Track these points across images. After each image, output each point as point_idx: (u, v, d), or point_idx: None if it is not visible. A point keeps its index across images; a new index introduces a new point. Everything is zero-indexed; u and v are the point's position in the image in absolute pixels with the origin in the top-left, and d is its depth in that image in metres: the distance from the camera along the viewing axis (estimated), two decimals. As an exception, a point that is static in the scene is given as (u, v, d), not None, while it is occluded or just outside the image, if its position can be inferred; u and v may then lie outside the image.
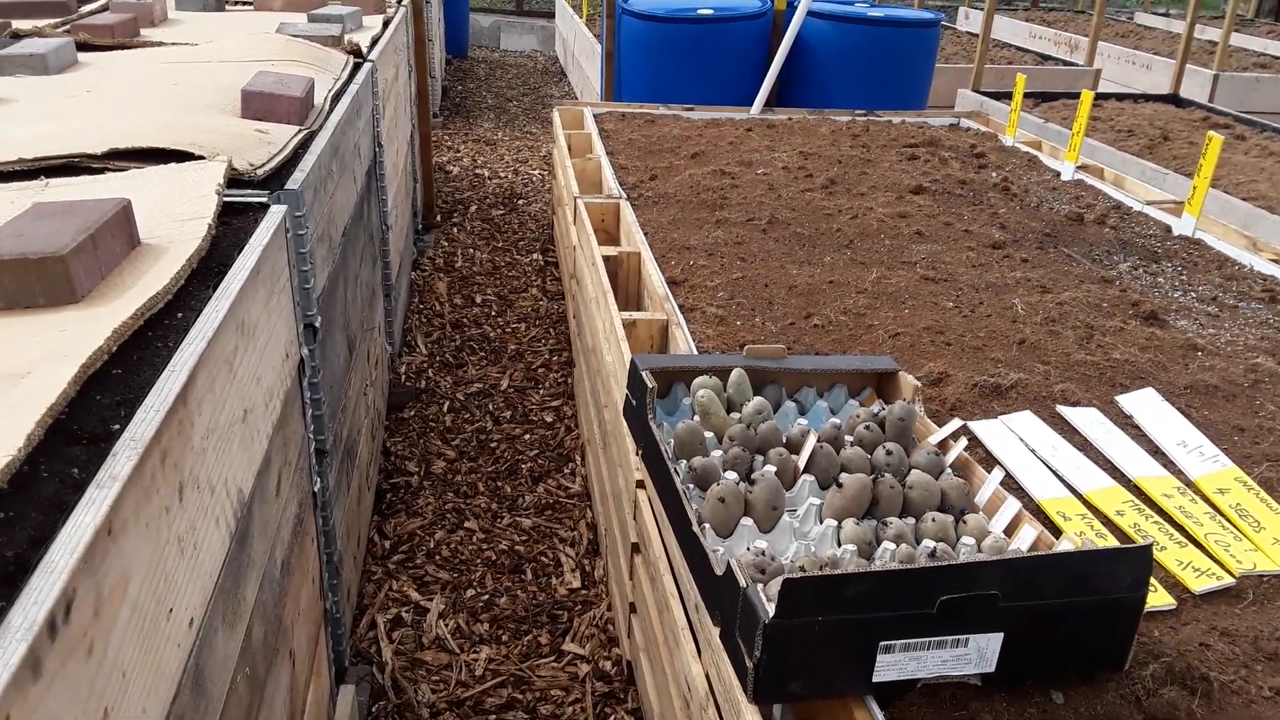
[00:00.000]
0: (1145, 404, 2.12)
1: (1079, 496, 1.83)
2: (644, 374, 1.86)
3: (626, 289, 3.03)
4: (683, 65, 5.59)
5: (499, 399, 3.60)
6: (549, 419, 3.48)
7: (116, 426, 1.01)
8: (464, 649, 2.39)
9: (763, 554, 1.44)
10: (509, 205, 5.78)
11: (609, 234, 3.47)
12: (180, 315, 1.31)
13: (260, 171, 1.88)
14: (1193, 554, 1.68)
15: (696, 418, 1.86)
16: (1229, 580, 1.63)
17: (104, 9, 3.58)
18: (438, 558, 2.73)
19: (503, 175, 6.38)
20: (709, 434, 1.82)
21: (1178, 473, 1.91)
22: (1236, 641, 1.52)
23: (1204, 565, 1.66)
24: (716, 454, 1.76)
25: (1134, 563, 1.35)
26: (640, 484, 2.08)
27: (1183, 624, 1.55)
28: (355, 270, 2.65)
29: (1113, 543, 1.69)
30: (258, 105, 2.29)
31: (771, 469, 1.70)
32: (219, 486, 1.24)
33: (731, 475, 1.69)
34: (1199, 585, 1.61)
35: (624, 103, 5.23)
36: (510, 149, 7.03)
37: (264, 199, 1.76)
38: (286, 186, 1.83)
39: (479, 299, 4.48)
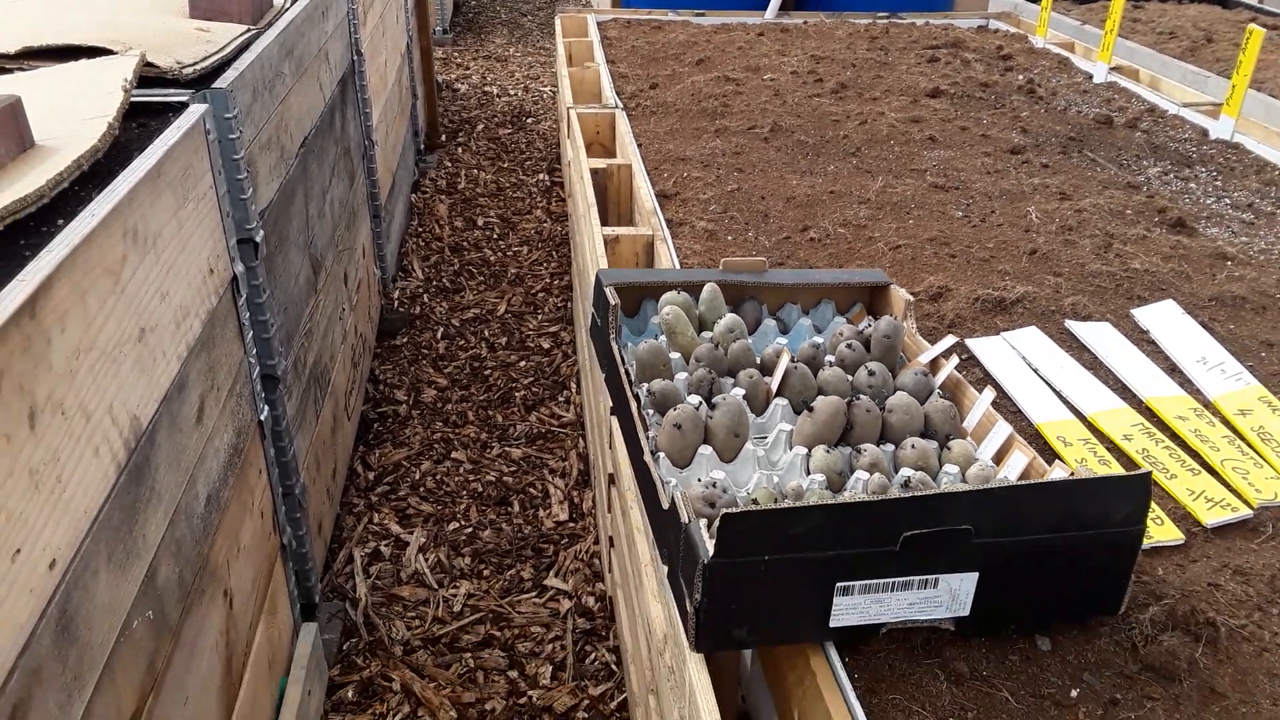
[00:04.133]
0: (1164, 317, 1.93)
1: (1083, 419, 1.66)
2: (607, 290, 1.71)
3: (617, 204, 2.86)
4: (695, -31, 5.29)
5: (495, 325, 3.48)
6: (546, 345, 3.35)
7: (-67, 349, 0.89)
8: (443, 584, 2.30)
9: (714, 485, 1.30)
10: (517, 124, 5.58)
11: (604, 147, 3.28)
12: (61, 222, 1.18)
13: (189, 71, 1.73)
14: (1207, 482, 1.52)
15: (662, 338, 1.71)
16: (1246, 512, 1.47)
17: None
18: (422, 489, 2.63)
19: (512, 93, 6.16)
20: (675, 355, 1.67)
21: (1195, 392, 1.73)
22: (1250, 581, 1.36)
23: (1218, 495, 1.49)
24: (682, 376, 1.62)
25: (1130, 492, 1.19)
26: (614, 410, 1.94)
27: (1190, 561, 1.40)
28: (323, 185, 2.50)
29: (1117, 470, 1.53)
30: (206, 4, 2.13)
31: (739, 392, 1.55)
32: (98, 413, 1.12)
33: (694, 399, 1.54)
34: (1211, 518, 1.45)
35: (632, 9, 4.97)
36: (521, 65, 6.78)
37: (185, 98, 1.61)
38: (214, 86, 1.68)
39: (481, 221, 4.33)
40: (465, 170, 4.89)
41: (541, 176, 4.83)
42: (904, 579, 1.17)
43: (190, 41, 1.89)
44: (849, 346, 1.65)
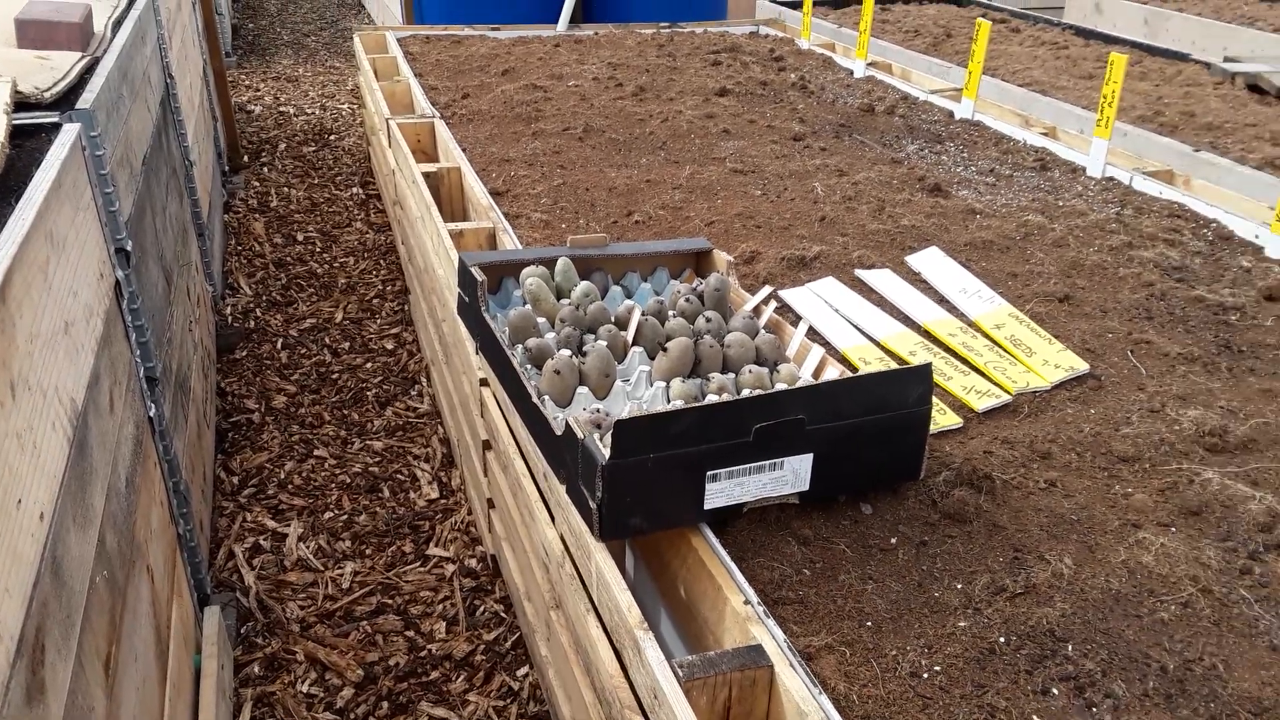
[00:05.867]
0: (931, 261, 2.35)
1: (876, 343, 2.03)
2: (473, 269, 1.93)
3: (450, 204, 3.06)
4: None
5: (335, 332, 3.58)
6: (390, 346, 3.49)
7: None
8: (328, 566, 2.43)
9: (598, 411, 1.56)
10: (320, 141, 5.61)
11: (426, 154, 3.46)
12: (-11, 228, 1.29)
13: (48, 94, 1.81)
14: (975, 380, 1.91)
15: (528, 306, 1.95)
16: (1007, 398, 1.87)
17: None
18: (290, 487, 2.73)
19: (310, 111, 6.16)
20: (541, 319, 1.91)
21: (960, 315, 2.14)
22: (1015, 447, 1.75)
23: (985, 388, 1.89)
24: (550, 336, 1.86)
25: (917, 380, 1.54)
26: (484, 382, 2.15)
27: (969, 438, 1.78)
28: (162, 201, 2.57)
29: (908, 377, 1.89)
30: (34, 33, 2.18)
31: (603, 343, 1.81)
32: (50, 392, 1.25)
33: (565, 352, 1.79)
34: (981, 404, 1.84)
35: (428, 25, 5.14)
36: (314, 85, 6.78)
37: (55, 119, 1.71)
38: (78, 106, 1.78)
39: (300, 236, 4.38)
40: (275, 189, 4.91)
41: (355, 190, 4.92)
42: (758, 464, 1.47)
43: (37, 69, 1.96)
44: (687, 300, 1.95)
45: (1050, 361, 1.95)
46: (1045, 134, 3.49)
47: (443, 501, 2.67)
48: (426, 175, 2.95)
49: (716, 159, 3.12)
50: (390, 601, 2.30)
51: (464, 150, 3.20)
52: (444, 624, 2.23)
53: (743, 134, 3.37)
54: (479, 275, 1.92)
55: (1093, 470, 1.68)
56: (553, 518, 1.74)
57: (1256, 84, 4.23)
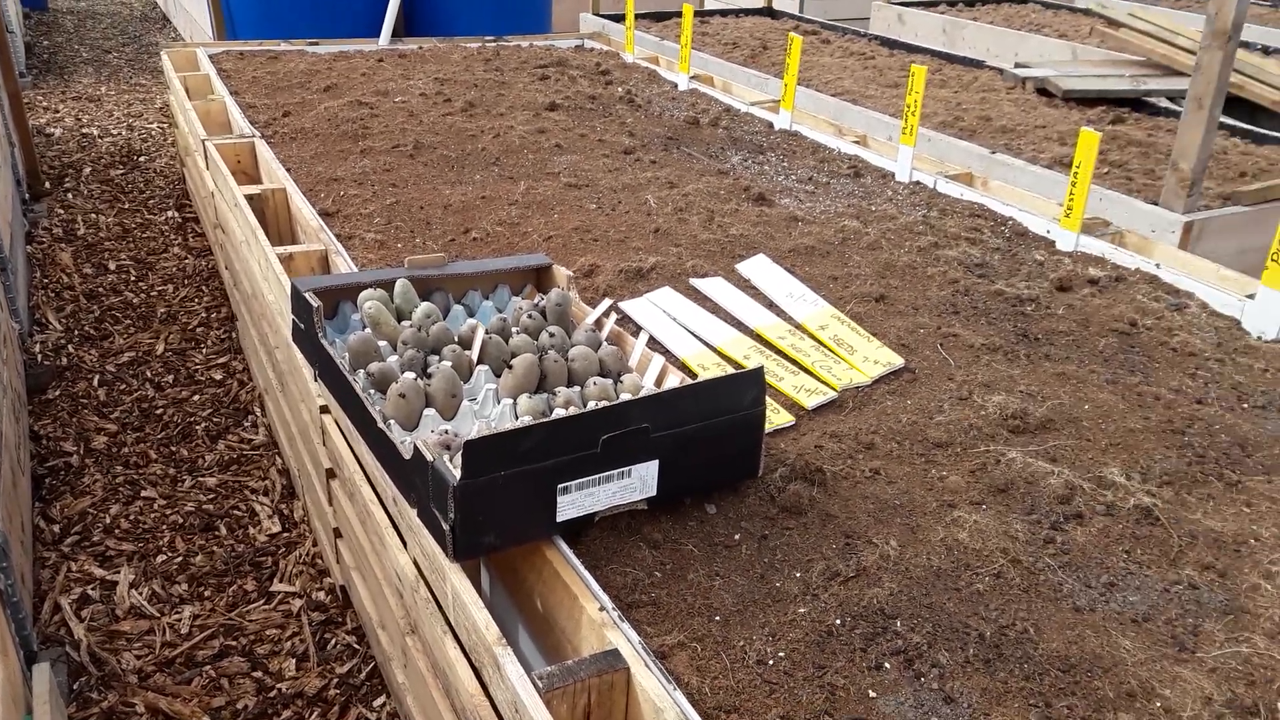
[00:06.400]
0: (759, 268, 2.47)
1: (713, 349, 2.12)
2: (307, 295, 1.90)
3: (277, 227, 2.98)
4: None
5: (157, 364, 3.40)
6: (218, 376, 3.35)
7: None
8: (164, 612, 2.32)
9: (446, 432, 1.57)
10: (130, 164, 5.31)
11: (248, 175, 3.35)
12: None
13: None
14: (805, 380, 2.03)
15: (367, 330, 1.93)
16: (833, 394, 1.99)
17: None
18: (117, 531, 2.59)
19: (115, 133, 5.82)
20: (382, 343, 1.90)
21: (788, 319, 2.27)
22: (842, 440, 1.87)
23: (814, 386, 2.01)
24: (393, 359, 1.85)
25: (751, 383, 1.63)
26: (325, 409, 2.11)
27: (801, 435, 1.89)
28: (-41, 238, 2.39)
29: (743, 381, 1.99)
30: None
31: (447, 364, 1.82)
32: None
33: (409, 375, 1.79)
34: (811, 401, 1.96)
35: (241, 41, 4.96)
36: (119, 104, 6.41)
37: None
38: None
39: (113, 265, 4.14)
40: (82, 215, 4.62)
41: (171, 214, 4.69)
42: (606, 474, 1.52)
43: None
44: (530, 316, 1.98)
45: (870, 358, 2.09)
46: (857, 142, 3.71)
47: (285, 535, 2.60)
48: (250, 198, 2.86)
49: (551, 174, 3.16)
50: (234, 643, 2.22)
51: (289, 170, 3.12)
52: (294, 661, 2.18)
53: (575, 148, 3.43)
54: (314, 301, 1.89)
55: (911, 457, 1.81)
56: (404, 542, 1.74)
57: (1045, 88, 4.62)
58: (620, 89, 4.26)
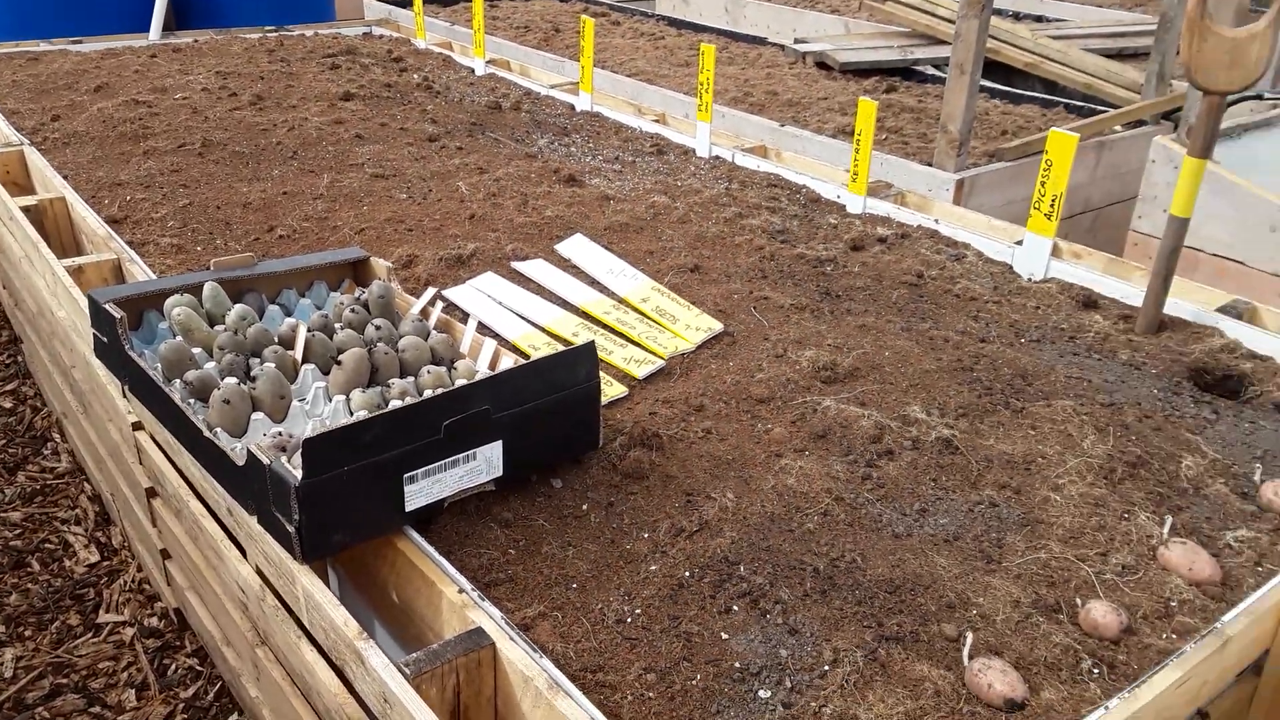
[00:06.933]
0: (578, 247, 2.52)
1: (542, 329, 2.16)
2: (107, 306, 1.80)
3: (60, 238, 2.77)
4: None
5: (-74, 398, 3.11)
6: (8, 404, 3.10)
7: None
8: (-26, 660, 2.14)
9: (280, 434, 1.54)
10: None
11: (19, 185, 3.09)
12: None
13: None
14: (633, 351, 2.10)
15: (179, 338, 1.85)
16: (661, 363, 2.07)
17: None
18: (-95, 583, 2.36)
19: None
20: (197, 350, 1.83)
21: (611, 294, 2.33)
22: (674, 405, 1.95)
23: (642, 357, 2.08)
24: (210, 365, 1.79)
25: (584, 358, 1.68)
26: (138, 425, 2.01)
27: (635, 404, 1.96)
28: None
29: (573, 357, 2.04)
30: None
31: (271, 365, 1.77)
32: None
33: (231, 380, 1.73)
34: (641, 371, 2.03)
35: (-8, 40, 4.53)
36: None
37: None
38: None
39: None
40: None
41: (-77, 234, 4.24)
42: (452, 458, 1.53)
43: None
44: (353, 311, 1.95)
45: (692, 325, 2.19)
46: (657, 121, 3.82)
47: (106, 563, 2.45)
48: (26, 209, 2.66)
49: (354, 165, 3.09)
50: (66, 680, 2.09)
51: (66, 178, 2.90)
52: (133, 692, 2.07)
53: (376, 138, 3.36)
54: (116, 312, 1.79)
55: (738, 414, 1.92)
56: (244, 552, 1.69)
57: (823, 61, 4.89)
58: (416, 76, 4.19)
